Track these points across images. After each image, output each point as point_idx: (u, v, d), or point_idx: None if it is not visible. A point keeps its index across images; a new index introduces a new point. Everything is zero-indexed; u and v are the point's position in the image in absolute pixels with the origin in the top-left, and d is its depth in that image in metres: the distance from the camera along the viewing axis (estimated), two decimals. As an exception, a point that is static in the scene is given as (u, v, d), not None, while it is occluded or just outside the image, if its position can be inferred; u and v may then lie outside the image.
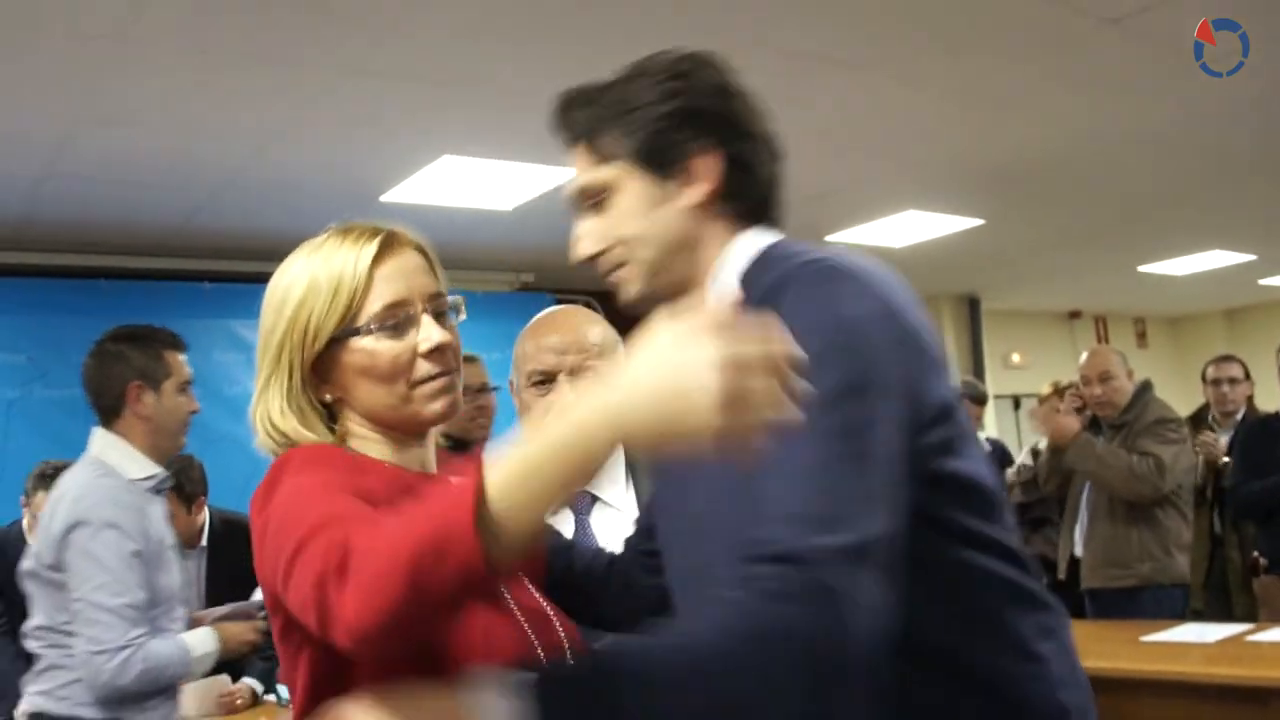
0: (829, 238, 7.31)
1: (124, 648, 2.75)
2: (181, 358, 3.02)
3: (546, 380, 2.19)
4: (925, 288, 9.68)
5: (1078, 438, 4.87)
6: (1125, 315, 12.54)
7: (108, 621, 2.75)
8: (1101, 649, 3.98)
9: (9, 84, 4.00)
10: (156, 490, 3.01)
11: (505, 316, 7.24)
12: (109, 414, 2.97)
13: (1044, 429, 5.22)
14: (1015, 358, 11.28)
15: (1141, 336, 12.62)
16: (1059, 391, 5.84)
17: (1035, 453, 6.05)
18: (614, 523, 2.14)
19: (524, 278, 7.68)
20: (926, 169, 5.98)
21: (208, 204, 5.53)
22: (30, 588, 2.95)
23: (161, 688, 2.85)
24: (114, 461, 2.95)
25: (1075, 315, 12.00)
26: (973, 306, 10.34)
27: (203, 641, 3.02)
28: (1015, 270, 9.32)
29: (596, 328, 2.28)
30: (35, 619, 2.94)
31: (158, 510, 3.00)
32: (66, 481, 2.98)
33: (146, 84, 4.08)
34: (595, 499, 2.19)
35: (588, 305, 7.63)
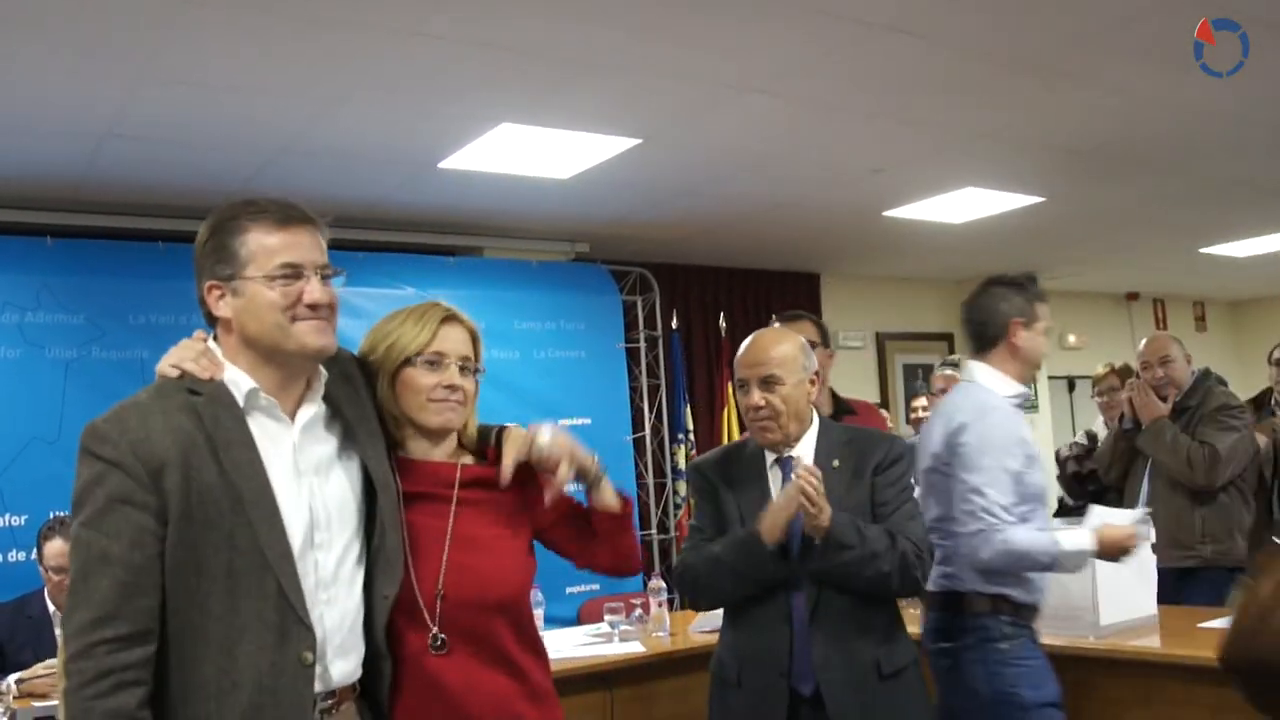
0: (888, 213, 7.24)
1: (982, 530, 3.17)
2: (1046, 307, 3.64)
3: (742, 386, 3.05)
4: (982, 265, 9.56)
5: (1161, 419, 4.97)
6: (1184, 298, 12.35)
7: (979, 507, 3.17)
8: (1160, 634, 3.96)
9: (71, 45, 4.01)
10: (1020, 406, 3.48)
11: (560, 286, 7.31)
12: (990, 343, 3.52)
13: (1133, 407, 5.17)
14: (1071, 339, 11.14)
15: (1200, 320, 12.44)
16: (1115, 372, 5.76)
17: (1090, 435, 5.98)
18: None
19: (579, 248, 7.65)
20: (988, 144, 5.89)
21: (267, 167, 5.53)
22: (930, 482, 3.42)
23: (1030, 568, 3.27)
24: (990, 383, 3.44)
25: (1133, 297, 11.82)
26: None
27: (1076, 539, 3.28)
28: (1074, 250, 9.19)
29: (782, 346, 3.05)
30: (933, 511, 3.36)
31: (1023, 422, 3.45)
32: (956, 397, 3.50)
33: (207, 46, 4.09)
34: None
35: (641, 277, 7.67)
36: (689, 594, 3.16)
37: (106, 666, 1.83)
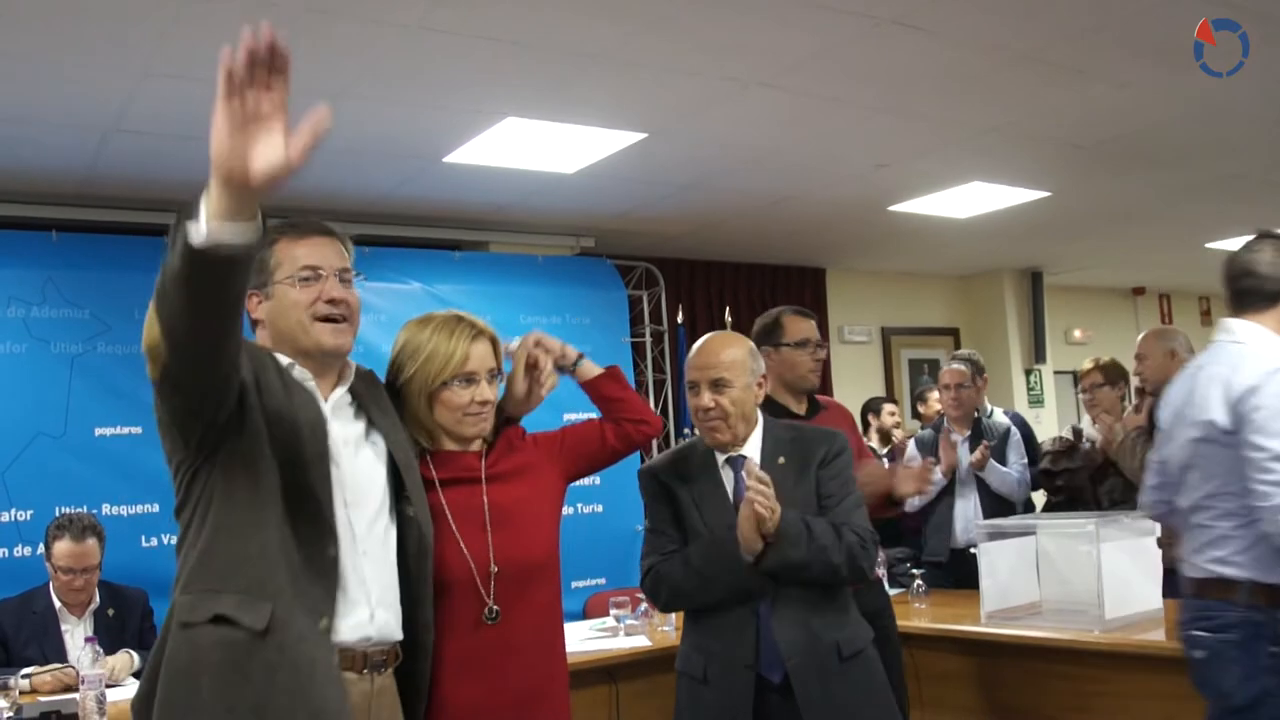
0: (893, 208, 7.23)
1: None
2: None
3: (692, 387, 3.11)
4: (988, 260, 9.58)
5: (1123, 442, 4.91)
6: (1189, 293, 12.34)
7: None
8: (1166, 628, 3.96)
9: (75, 40, 4.02)
10: None
11: (566, 280, 7.30)
12: (1267, 302, 3.18)
13: (1102, 421, 5.14)
14: (1077, 333, 11.14)
15: (1206, 314, 12.42)
16: (1099, 368, 5.68)
17: (1076, 432, 5.92)
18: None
19: (584, 242, 7.65)
20: (994, 139, 5.88)
21: (271, 162, 5.52)
22: (1200, 454, 3.11)
23: None
24: (1265, 343, 3.11)
25: (1139, 292, 11.83)
26: (1035, 280, 10.21)
27: None
28: (1080, 245, 9.18)
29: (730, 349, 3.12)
30: (1201, 489, 3.10)
31: None
32: (1227, 359, 3.12)
33: (210, 38, 4.06)
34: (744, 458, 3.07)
35: (646, 272, 7.67)
36: (661, 600, 3.18)
37: None
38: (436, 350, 2.54)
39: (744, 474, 2.96)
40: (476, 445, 2.64)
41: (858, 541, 2.96)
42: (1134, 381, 5.29)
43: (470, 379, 2.55)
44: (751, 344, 3.21)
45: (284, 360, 2.29)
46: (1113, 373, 5.61)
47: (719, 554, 2.96)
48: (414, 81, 4.63)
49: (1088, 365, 5.72)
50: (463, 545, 2.48)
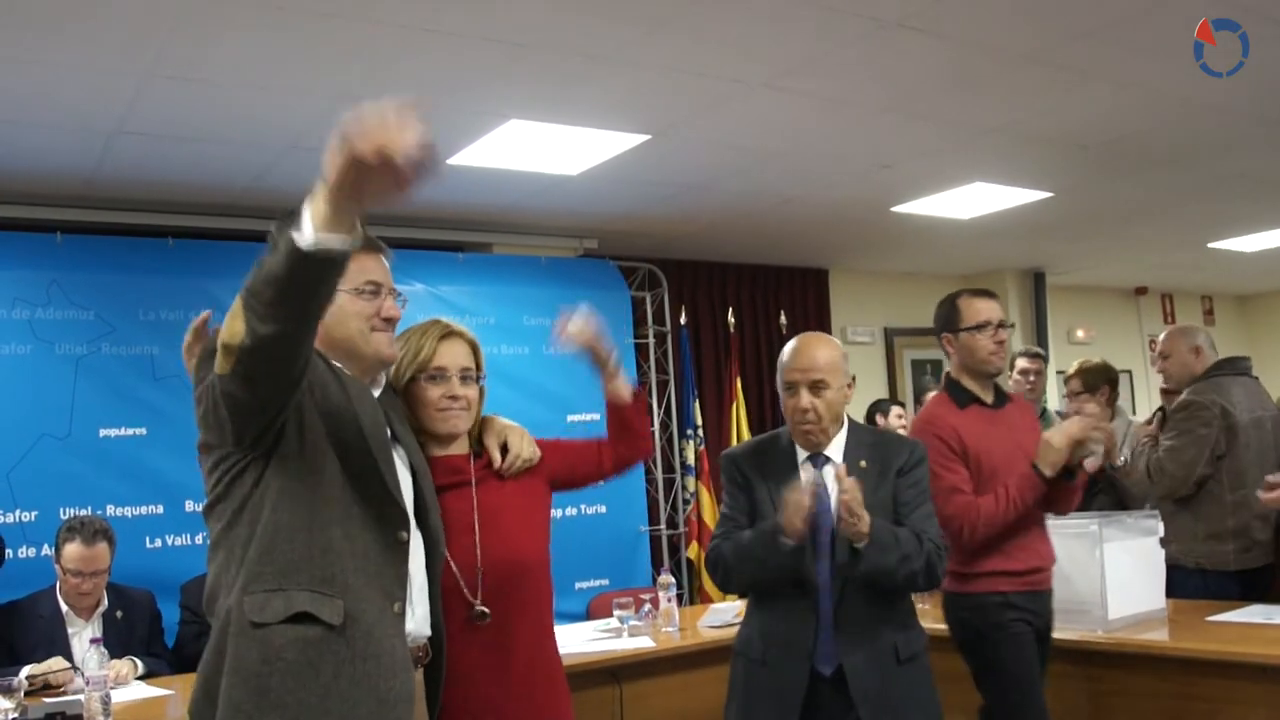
0: (895, 209, 7.24)
1: None
2: None
3: (790, 388, 3.19)
4: (990, 261, 9.58)
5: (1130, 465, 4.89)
6: (1192, 292, 12.34)
7: None
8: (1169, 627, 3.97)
9: (79, 42, 4.02)
10: None
11: (569, 281, 7.30)
12: None
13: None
14: (1079, 333, 11.14)
15: (1209, 314, 12.42)
16: (1078, 374, 5.64)
17: None
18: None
19: (587, 243, 7.64)
20: (996, 140, 5.88)
21: (276, 164, 5.54)
22: None
23: None
24: None
25: (1141, 291, 11.82)
26: (1038, 281, 10.21)
27: None
28: (1083, 245, 9.18)
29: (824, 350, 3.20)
30: None
31: None
32: None
33: (216, 40, 4.09)
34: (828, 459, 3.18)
35: (650, 273, 7.67)
36: (717, 578, 3.32)
37: None
38: (408, 348, 2.65)
39: (834, 477, 3.02)
40: (463, 447, 2.72)
41: (935, 550, 3.07)
42: (1157, 380, 5.24)
43: (439, 375, 2.64)
44: (843, 347, 3.30)
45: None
46: (1089, 378, 5.58)
47: (767, 541, 3.04)
48: (416, 83, 4.63)
49: (1070, 371, 5.70)
50: (447, 546, 2.52)
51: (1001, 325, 3.76)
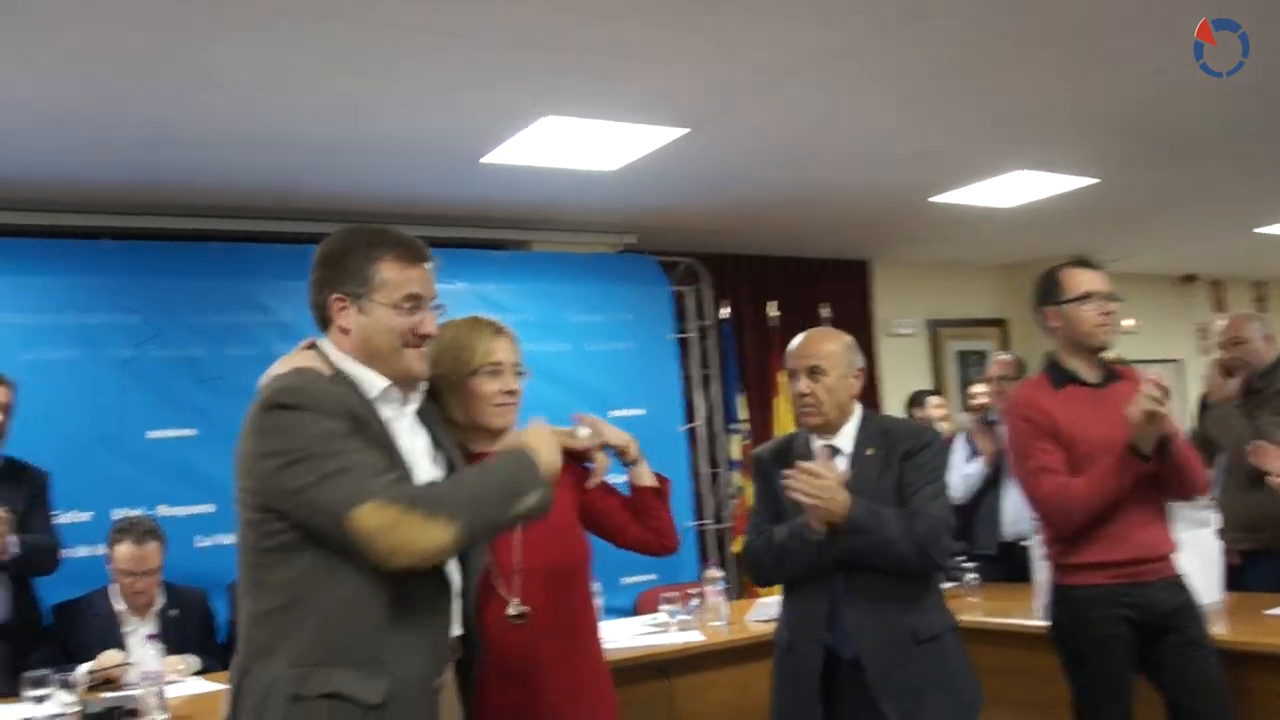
0: (934, 199, 7.19)
1: None
2: None
3: (792, 375, 3.36)
4: (1034, 250, 9.49)
5: (1225, 401, 5.01)
6: (1243, 279, 12.17)
7: None
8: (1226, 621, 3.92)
9: (120, 48, 4.07)
10: None
11: (609, 277, 7.32)
12: None
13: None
14: (1127, 322, 11.00)
15: (1260, 301, 12.24)
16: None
17: None
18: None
19: (627, 239, 7.65)
20: (1037, 126, 5.83)
21: (312, 166, 5.59)
22: None
23: None
24: None
25: (1190, 279, 11.67)
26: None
27: None
28: (1128, 232, 9.08)
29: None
30: None
31: None
32: None
33: (249, 44, 4.12)
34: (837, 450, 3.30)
35: (690, 268, 7.66)
36: (752, 574, 3.50)
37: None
38: (463, 344, 2.72)
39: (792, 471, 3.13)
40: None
41: (929, 530, 3.13)
42: (1221, 358, 5.19)
43: (496, 370, 2.71)
44: (850, 340, 3.42)
45: (372, 386, 2.31)
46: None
47: (797, 534, 3.17)
48: (450, 83, 4.65)
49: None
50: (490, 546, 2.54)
51: (1110, 297, 3.59)
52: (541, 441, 2.25)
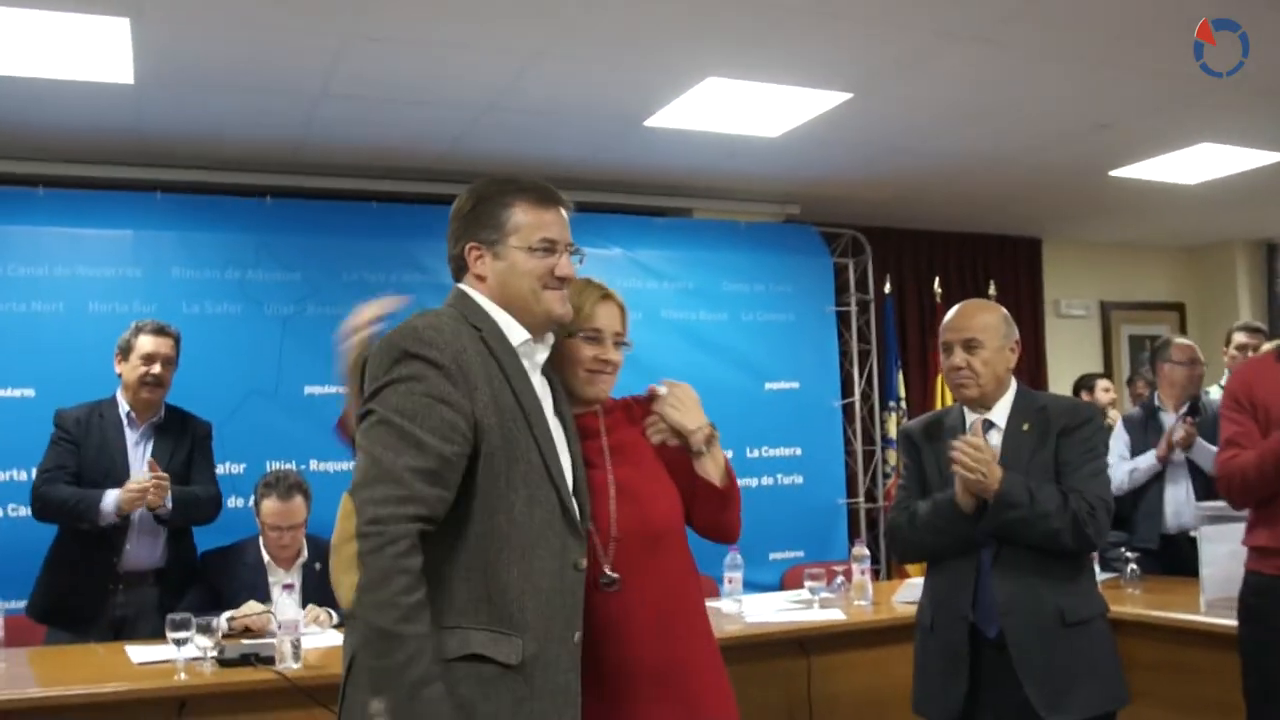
0: (1114, 173, 6.88)
1: None
2: None
3: (946, 348, 3.30)
4: (1218, 231, 9.07)
5: None
6: None
7: None
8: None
9: (283, 5, 4.10)
10: None
11: (770, 247, 7.21)
12: None
13: None
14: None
15: None
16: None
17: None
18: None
19: (789, 209, 7.52)
20: (1228, 93, 5.47)
21: (473, 127, 5.58)
22: None
23: None
24: None
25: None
26: (1271, 253, 9.60)
27: None
28: (1324, 213, 8.59)
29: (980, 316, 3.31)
30: None
31: None
32: None
33: (411, 2, 4.11)
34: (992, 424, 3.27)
35: (853, 240, 7.50)
36: (897, 550, 3.52)
37: (405, 533, 2.04)
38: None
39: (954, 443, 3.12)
40: (594, 409, 2.63)
41: (1085, 509, 3.05)
42: None
43: (595, 336, 2.57)
44: (1005, 312, 3.35)
45: (515, 338, 2.29)
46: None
47: (944, 509, 3.17)
48: (612, 43, 4.58)
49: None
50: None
51: None
52: None
